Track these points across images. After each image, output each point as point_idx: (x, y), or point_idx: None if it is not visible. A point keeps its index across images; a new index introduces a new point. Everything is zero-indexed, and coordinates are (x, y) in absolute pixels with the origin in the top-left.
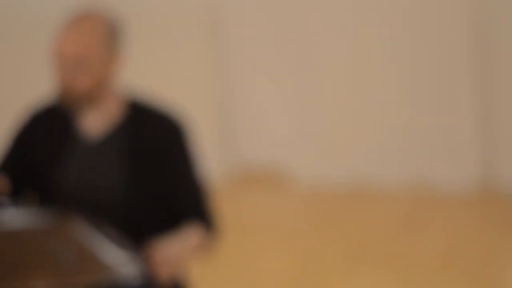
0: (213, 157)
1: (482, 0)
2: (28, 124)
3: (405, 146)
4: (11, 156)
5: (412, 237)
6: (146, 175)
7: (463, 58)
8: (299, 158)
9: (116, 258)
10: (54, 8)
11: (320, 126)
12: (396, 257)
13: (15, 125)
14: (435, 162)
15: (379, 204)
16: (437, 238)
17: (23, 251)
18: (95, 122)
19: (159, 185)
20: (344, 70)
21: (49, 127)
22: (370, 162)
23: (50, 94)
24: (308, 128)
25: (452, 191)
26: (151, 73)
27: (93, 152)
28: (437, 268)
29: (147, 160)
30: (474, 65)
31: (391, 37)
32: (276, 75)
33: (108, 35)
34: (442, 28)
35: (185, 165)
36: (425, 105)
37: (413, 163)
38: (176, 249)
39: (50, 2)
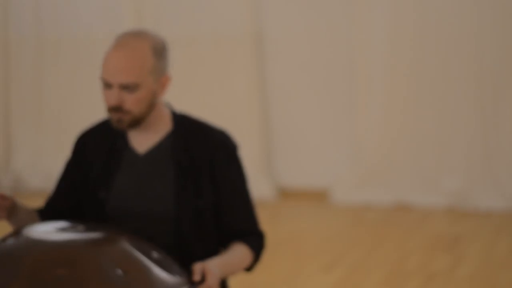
0: (256, 180)
1: None
2: (80, 146)
3: (444, 168)
4: (65, 177)
5: (452, 258)
6: (194, 187)
7: (507, 81)
8: (339, 180)
9: (166, 280)
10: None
11: (360, 148)
12: (437, 278)
13: (71, 149)
14: (475, 184)
15: (419, 226)
16: (477, 260)
17: (71, 269)
18: (145, 137)
19: (208, 198)
20: (381, 95)
21: (100, 145)
22: (410, 184)
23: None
24: (348, 151)
25: (493, 213)
26: (196, 99)
27: (141, 167)
28: None
29: (195, 172)
30: None
31: (425, 64)
32: (317, 100)
33: (154, 56)
34: (486, 51)
35: (235, 179)
36: (466, 129)
37: (452, 185)
38: (222, 272)
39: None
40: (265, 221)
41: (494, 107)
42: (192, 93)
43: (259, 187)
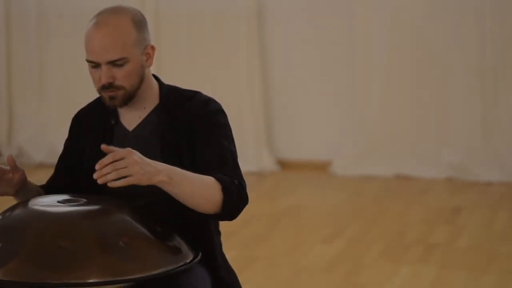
0: (257, 153)
1: None
2: (75, 125)
3: (444, 140)
4: (63, 157)
5: (452, 229)
6: (178, 159)
7: (507, 55)
8: (340, 153)
9: (168, 253)
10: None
11: (360, 121)
12: (437, 249)
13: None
14: (475, 156)
15: (419, 198)
16: (477, 231)
17: (73, 241)
18: (134, 113)
19: (189, 165)
20: (382, 68)
21: (94, 123)
22: (410, 157)
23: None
24: (348, 124)
25: (493, 185)
26: (197, 74)
27: (130, 143)
28: (476, 263)
29: (177, 144)
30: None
31: (426, 38)
32: (316, 75)
33: (135, 28)
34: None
35: (212, 132)
36: (466, 102)
37: (452, 157)
38: (170, 175)
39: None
40: (266, 193)
41: (494, 81)
42: (193, 69)
43: (260, 160)
